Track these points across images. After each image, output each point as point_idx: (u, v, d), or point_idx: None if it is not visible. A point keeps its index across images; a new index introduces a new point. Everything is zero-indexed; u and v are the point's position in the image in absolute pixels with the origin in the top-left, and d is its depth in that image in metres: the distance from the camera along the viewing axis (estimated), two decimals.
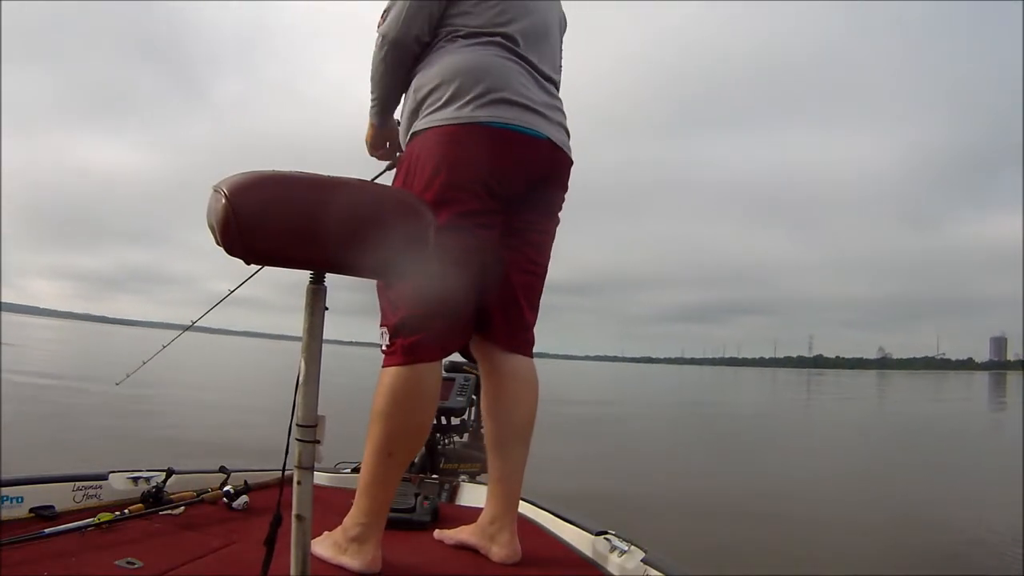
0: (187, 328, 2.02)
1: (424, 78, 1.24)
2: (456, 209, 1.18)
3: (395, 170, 1.28)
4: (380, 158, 1.48)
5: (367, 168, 1.59)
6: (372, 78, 1.30)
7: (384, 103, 1.35)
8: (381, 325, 1.23)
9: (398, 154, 1.47)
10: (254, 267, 0.81)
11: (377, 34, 1.26)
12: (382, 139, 1.44)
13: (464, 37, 1.24)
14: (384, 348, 1.22)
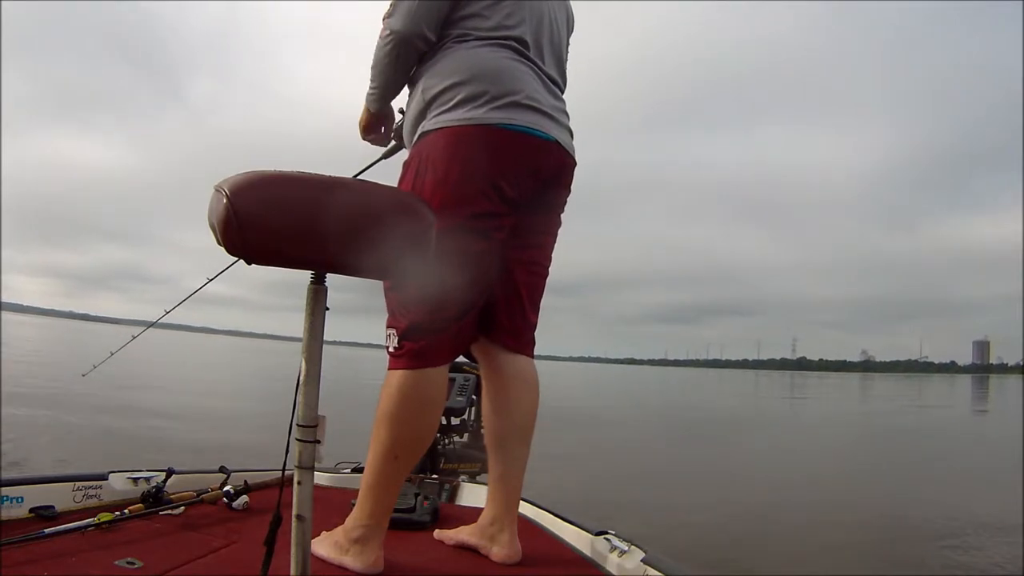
0: (153, 324, 2.04)
1: (433, 79, 1.22)
2: (467, 210, 1.17)
3: (401, 170, 1.27)
4: (372, 142, 1.46)
5: (354, 162, 1.57)
6: (374, 67, 1.28)
7: (384, 92, 1.33)
8: (388, 326, 1.21)
9: (392, 142, 1.46)
10: (233, 262, 0.81)
11: (383, 25, 1.23)
12: (377, 123, 1.41)
13: (475, 39, 1.22)
14: (391, 350, 1.20)
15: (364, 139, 1.45)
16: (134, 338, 2.08)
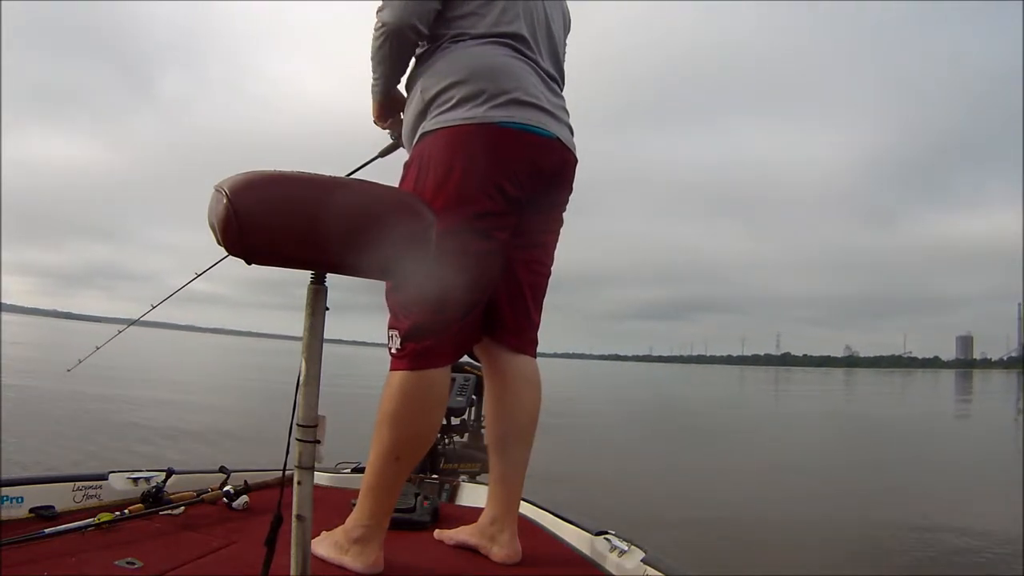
0: (134, 321, 2.04)
1: (431, 79, 1.22)
2: (470, 210, 1.17)
3: (402, 171, 1.27)
4: (390, 127, 1.45)
5: (344, 162, 1.57)
6: (372, 60, 1.28)
7: (386, 83, 1.33)
8: (390, 327, 1.21)
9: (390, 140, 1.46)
10: (223, 257, 0.81)
11: (376, 18, 1.23)
12: (390, 109, 1.41)
13: (472, 38, 1.23)
14: (393, 351, 1.20)
15: (381, 127, 1.45)
16: (120, 332, 2.08)
